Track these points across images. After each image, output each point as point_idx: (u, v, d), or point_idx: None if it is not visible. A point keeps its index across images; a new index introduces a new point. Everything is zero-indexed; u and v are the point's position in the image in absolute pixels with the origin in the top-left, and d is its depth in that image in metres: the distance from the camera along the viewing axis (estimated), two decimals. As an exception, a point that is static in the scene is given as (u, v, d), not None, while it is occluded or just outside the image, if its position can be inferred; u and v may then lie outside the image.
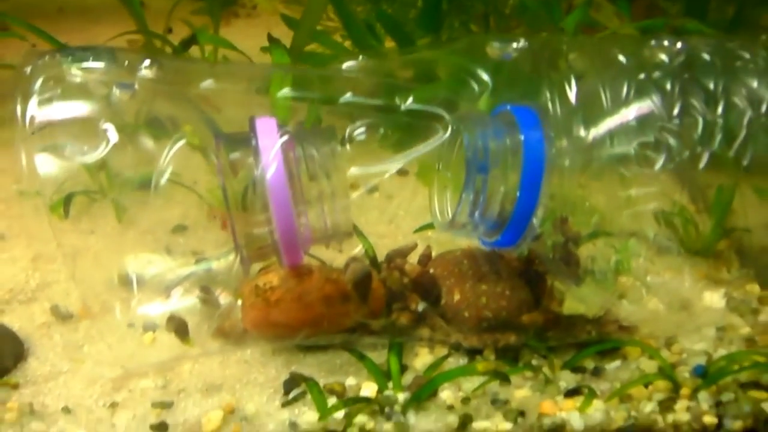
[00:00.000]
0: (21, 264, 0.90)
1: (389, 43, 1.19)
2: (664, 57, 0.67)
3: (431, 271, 0.82)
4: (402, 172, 0.99)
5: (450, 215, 0.77)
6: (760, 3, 1.08)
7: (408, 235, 0.95)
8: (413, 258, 0.85)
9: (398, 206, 1.02)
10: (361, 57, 0.69)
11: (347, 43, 1.21)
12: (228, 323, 0.80)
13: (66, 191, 1.00)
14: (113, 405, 0.73)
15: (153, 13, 1.42)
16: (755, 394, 0.75)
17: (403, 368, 0.77)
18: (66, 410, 0.72)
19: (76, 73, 0.62)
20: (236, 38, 1.28)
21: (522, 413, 0.73)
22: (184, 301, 0.80)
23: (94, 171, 0.90)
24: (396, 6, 1.16)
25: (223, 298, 0.81)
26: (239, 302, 0.79)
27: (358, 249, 0.86)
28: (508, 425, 0.72)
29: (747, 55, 0.66)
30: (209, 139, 0.74)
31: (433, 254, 0.86)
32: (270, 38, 0.99)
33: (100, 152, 0.63)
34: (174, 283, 0.82)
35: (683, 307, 0.85)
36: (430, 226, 0.92)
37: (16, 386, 0.75)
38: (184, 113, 0.69)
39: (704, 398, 0.74)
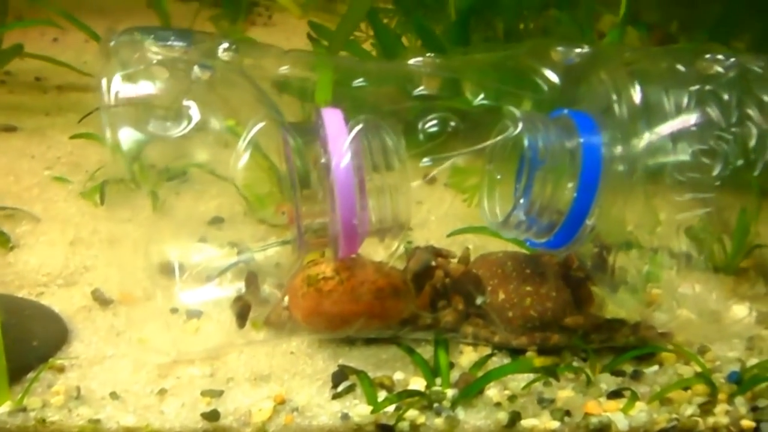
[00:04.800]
0: (59, 248, 0.89)
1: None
2: (719, 68, 0.70)
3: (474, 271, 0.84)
4: (430, 180, 1.01)
5: (501, 215, 0.78)
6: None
7: (440, 240, 0.96)
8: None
9: (429, 212, 1.03)
10: (427, 54, 0.70)
11: (374, 53, 1.22)
12: (274, 314, 0.80)
13: (99, 179, 1.00)
14: (162, 392, 0.72)
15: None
16: (789, 401, 0.77)
17: (449, 365, 0.78)
18: (114, 396, 0.71)
19: (157, 51, 0.62)
20: (256, 45, 1.29)
21: (568, 412, 0.74)
22: (228, 290, 0.80)
23: (129, 161, 0.90)
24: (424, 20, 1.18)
25: (267, 289, 0.81)
26: (285, 294, 0.79)
27: (395, 247, 0.87)
28: (556, 424, 0.73)
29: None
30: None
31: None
32: (310, 37, 1.00)
33: (183, 129, 0.63)
34: (217, 272, 0.81)
35: (714, 319, 0.87)
36: (463, 230, 0.94)
37: (61, 369, 0.73)
38: (248, 99, 0.70)
39: (741, 403, 0.77)
